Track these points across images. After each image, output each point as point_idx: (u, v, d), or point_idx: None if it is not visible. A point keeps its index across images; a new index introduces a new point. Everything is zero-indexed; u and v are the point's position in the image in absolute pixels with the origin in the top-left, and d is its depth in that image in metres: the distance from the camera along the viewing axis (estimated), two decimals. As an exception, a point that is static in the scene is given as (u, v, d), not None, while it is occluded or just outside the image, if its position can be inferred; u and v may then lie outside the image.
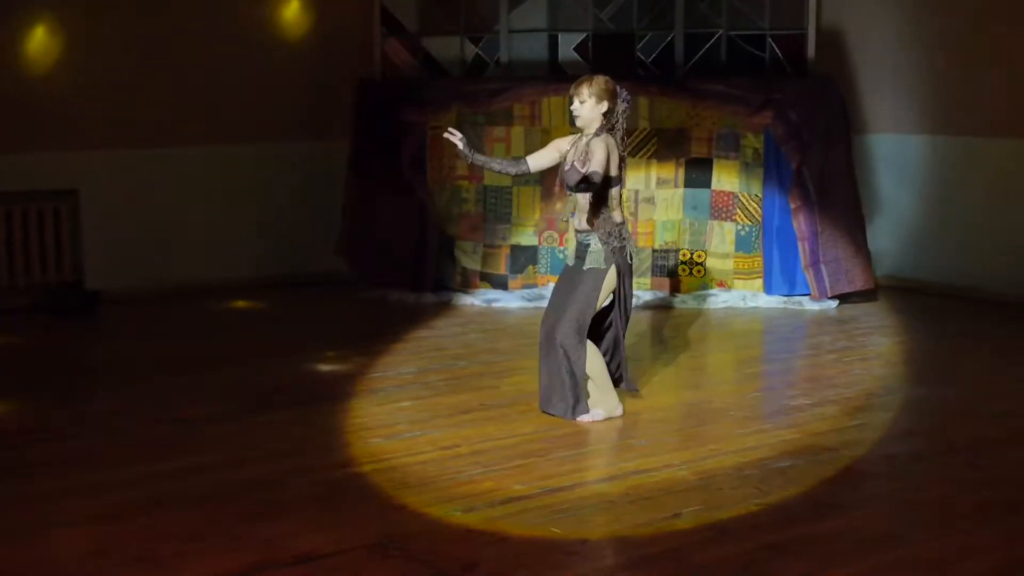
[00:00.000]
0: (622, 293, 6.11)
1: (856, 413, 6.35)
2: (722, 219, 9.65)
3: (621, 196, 6.13)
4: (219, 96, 10.03)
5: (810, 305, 9.34)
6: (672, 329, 8.72)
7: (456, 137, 6.22)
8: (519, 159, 6.28)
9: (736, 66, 9.87)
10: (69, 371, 7.51)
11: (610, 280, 6.03)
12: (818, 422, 6.18)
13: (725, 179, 9.63)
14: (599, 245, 5.99)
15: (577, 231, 6.12)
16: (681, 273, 9.70)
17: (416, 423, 6.14)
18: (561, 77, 9.87)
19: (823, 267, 9.30)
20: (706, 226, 9.67)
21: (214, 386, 6.95)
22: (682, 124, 9.65)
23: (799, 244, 9.38)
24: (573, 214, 6.14)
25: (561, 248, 9.76)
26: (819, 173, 9.30)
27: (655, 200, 9.70)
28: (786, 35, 9.88)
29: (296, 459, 5.60)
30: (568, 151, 6.11)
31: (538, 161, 6.23)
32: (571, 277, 6.12)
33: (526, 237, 9.81)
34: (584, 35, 10.08)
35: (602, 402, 6.15)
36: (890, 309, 9.37)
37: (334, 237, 10.09)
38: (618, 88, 6.02)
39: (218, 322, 9.02)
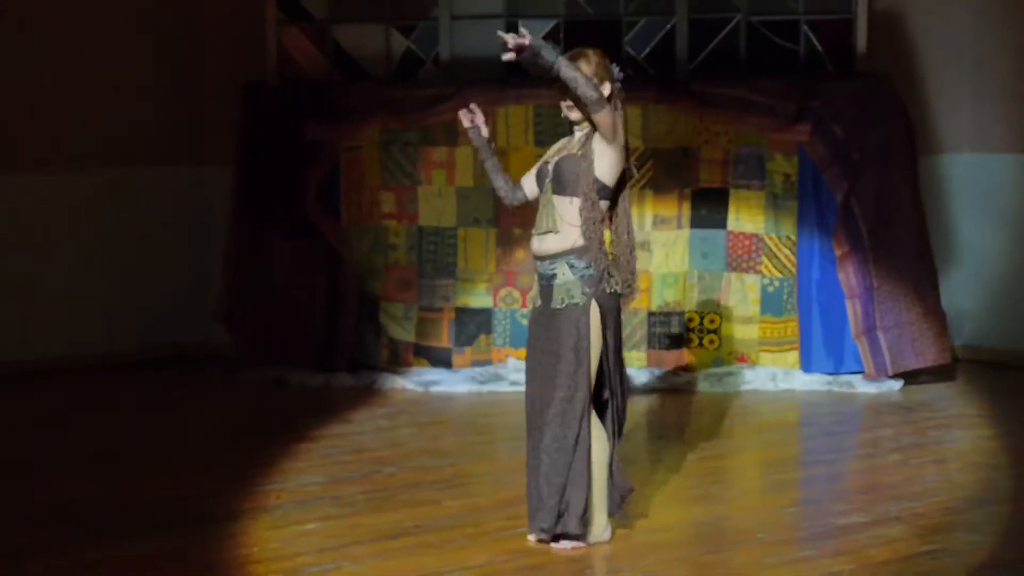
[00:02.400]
0: (608, 339, 6.06)
1: (930, 535, 6.32)
2: (743, 271, 9.68)
3: (628, 212, 6.17)
4: (49, 106, 9.99)
5: (864, 387, 9.36)
6: (677, 420, 8.67)
7: (477, 118, 6.30)
8: (515, 184, 6.31)
9: (760, 63, 9.94)
10: None
11: (594, 323, 5.98)
12: (878, 547, 6.13)
13: (746, 217, 9.67)
14: (569, 275, 5.95)
15: (541, 257, 6.04)
16: (688, 344, 9.71)
17: (326, 552, 6.06)
18: (522, 79, 9.90)
19: (881, 335, 9.34)
20: (721, 280, 9.70)
21: (43, 506, 6.85)
22: (687, 142, 9.70)
23: (848, 304, 9.41)
24: (540, 234, 6.05)
25: (524, 311, 9.73)
26: (874, 207, 9.37)
27: (651, 246, 9.73)
28: (828, 21, 9.98)
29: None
30: (558, 150, 6.15)
31: (532, 183, 6.25)
32: (547, 324, 6.04)
33: (477, 297, 9.80)
34: (554, 23, 10.14)
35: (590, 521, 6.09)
36: (973, 391, 9.38)
37: (212, 298, 10.04)
38: (611, 66, 6.08)
39: (49, 416, 8.92)
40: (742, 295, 9.67)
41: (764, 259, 9.65)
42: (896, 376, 9.38)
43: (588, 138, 6.02)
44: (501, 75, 10.03)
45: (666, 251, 9.72)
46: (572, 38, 10.04)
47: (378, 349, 9.81)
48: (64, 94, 10.03)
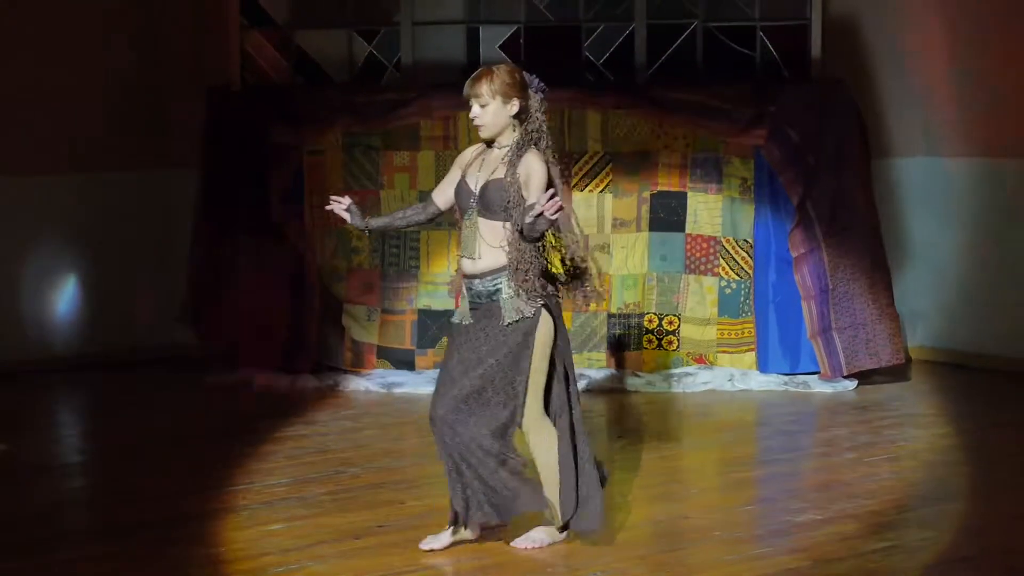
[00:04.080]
0: (561, 357, 6.06)
1: (884, 532, 6.36)
2: (700, 273, 9.72)
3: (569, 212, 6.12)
4: (15, 110, 9.94)
5: (820, 387, 9.42)
6: (634, 420, 8.70)
7: (342, 206, 6.15)
8: (425, 202, 6.23)
9: (717, 68, 9.98)
10: None
11: (545, 333, 5.95)
12: (833, 544, 6.16)
13: (704, 219, 9.71)
14: (510, 291, 5.86)
15: (476, 276, 5.95)
16: (646, 345, 9.74)
17: (291, 552, 6.06)
18: (484, 84, 9.91)
19: (836, 336, 9.39)
20: (679, 283, 9.74)
21: (5, 508, 6.83)
22: (646, 147, 9.73)
23: (804, 305, 9.46)
24: (470, 256, 5.96)
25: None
26: (829, 210, 9.42)
27: (611, 248, 9.75)
28: (783, 27, 10.03)
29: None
30: (471, 164, 6.03)
31: (447, 194, 6.14)
32: (487, 338, 5.93)
33: (438, 299, 9.81)
34: (514, 28, 10.16)
35: (548, 522, 6.11)
36: (926, 391, 9.45)
37: (177, 301, 10.01)
38: (528, 77, 6.02)
39: (13, 418, 8.87)
40: (700, 297, 9.70)
41: (721, 261, 9.69)
42: (851, 376, 9.43)
43: (514, 161, 5.88)
44: (461, 80, 9.98)
45: (625, 253, 9.74)
46: (532, 43, 10.08)
47: (341, 351, 9.80)
48: (30, 97, 9.97)
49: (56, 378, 9.83)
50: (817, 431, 8.53)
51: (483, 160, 6.00)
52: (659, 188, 9.73)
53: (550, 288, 5.94)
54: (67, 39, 10.15)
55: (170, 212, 10.37)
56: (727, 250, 9.67)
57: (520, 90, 5.94)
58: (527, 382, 5.93)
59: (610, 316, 9.75)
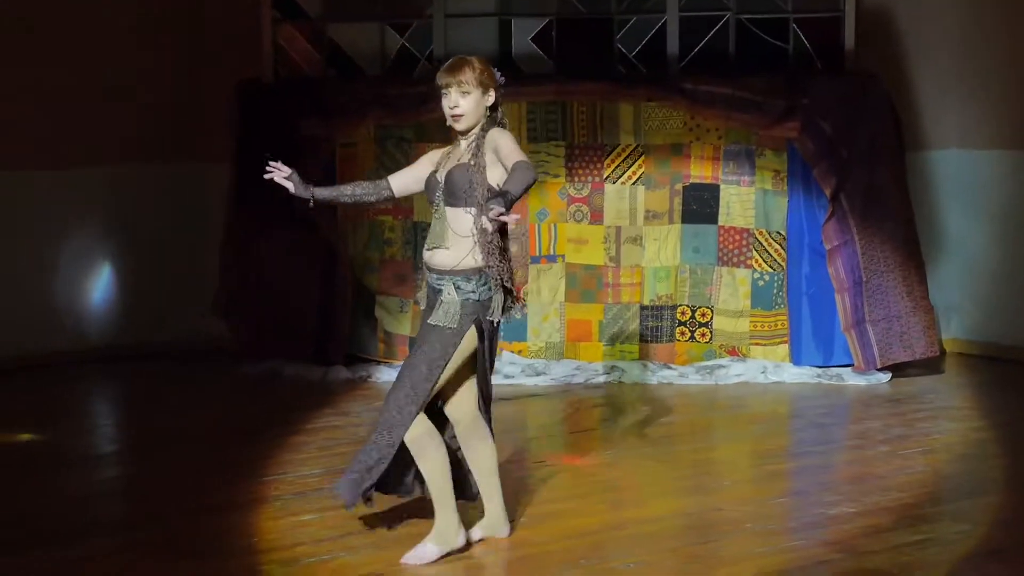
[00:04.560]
0: (483, 355, 5.93)
1: (918, 525, 6.34)
2: (733, 265, 9.70)
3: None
4: (52, 105, 9.98)
5: (853, 379, 9.39)
6: (667, 412, 8.70)
7: (283, 174, 6.06)
8: (380, 181, 6.10)
9: (750, 61, 9.96)
10: None
11: (467, 345, 5.84)
12: (867, 537, 6.15)
13: (737, 212, 9.70)
14: (453, 295, 5.73)
15: (432, 270, 5.79)
16: (679, 338, 9.73)
17: (323, 543, 6.06)
18: (515, 76, 9.90)
19: (870, 328, 9.36)
20: (712, 275, 9.72)
21: (39, 497, 6.87)
22: (678, 139, 9.72)
23: (837, 298, 9.43)
24: (432, 248, 5.80)
25: (521, 306, 9.74)
26: (862, 203, 9.39)
27: (643, 240, 9.75)
28: (816, 19, 10.00)
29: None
30: (440, 163, 5.90)
31: (404, 181, 6.04)
32: (426, 329, 5.85)
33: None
34: (546, 21, 10.15)
35: (437, 529, 5.91)
36: (960, 384, 9.43)
37: (210, 292, 10.04)
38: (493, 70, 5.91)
39: (49, 409, 8.93)
40: (733, 289, 9.69)
41: (754, 253, 9.67)
42: (885, 369, 9.41)
43: (479, 147, 5.76)
44: (494, 72, 10.01)
45: (658, 245, 9.74)
46: (564, 36, 10.06)
47: (374, 342, 9.83)
48: (66, 92, 10.02)
49: (90, 368, 9.88)
50: (850, 423, 8.51)
51: (450, 155, 5.89)
52: (692, 180, 9.72)
53: (501, 301, 5.79)
54: (103, 35, 10.20)
55: (203, 205, 10.42)
56: (760, 242, 9.65)
57: (495, 85, 5.85)
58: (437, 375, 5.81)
59: (643, 308, 9.75)
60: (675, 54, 9.99)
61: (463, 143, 5.85)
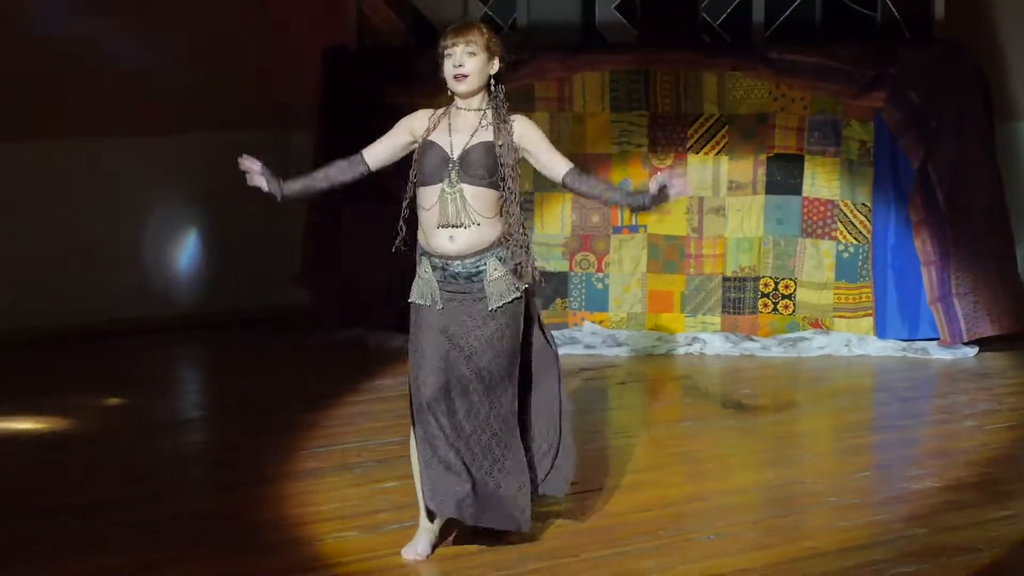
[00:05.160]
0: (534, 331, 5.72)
1: (1004, 501, 6.27)
2: (817, 237, 9.63)
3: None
4: (137, 73, 10.05)
5: (939, 353, 9.30)
6: (749, 385, 8.67)
7: (255, 168, 5.84)
8: (354, 157, 5.77)
9: (837, 30, 9.85)
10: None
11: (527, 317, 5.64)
12: (952, 512, 6.11)
13: (821, 183, 9.62)
14: (500, 270, 5.51)
15: (456, 257, 5.51)
16: (762, 309, 9.68)
17: (405, 510, 6.05)
18: (598, 45, 9.87)
19: (956, 301, 9.27)
20: (796, 246, 9.66)
21: (128, 460, 6.95)
22: (763, 109, 9.65)
23: (923, 271, 9.34)
24: (446, 226, 5.53)
25: (599, 275, 9.75)
26: (950, 174, 9.28)
27: (726, 211, 9.69)
28: (905, -12, 9.89)
29: (240, 560, 5.56)
30: (432, 129, 5.55)
31: (379, 153, 5.73)
32: (473, 321, 5.53)
33: (553, 261, 9.79)
34: (631, -11, 10.10)
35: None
36: (1049, 358, 9.33)
37: (294, 261, 10.09)
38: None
39: (138, 372, 9.04)
40: (817, 261, 9.62)
41: (839, 225, 9.59)
42: (971, 343, 9.30)
43: (499, 126, 5.52)
44: (576, 41, 9.99)
45: (741, 216, 9.68)
46: (649, 5, 9.99)
47: (455, 311, 9.84)
48: (154, 60, 10.07)
49: (176, 335, 9.96)
50: (936, 398, 8.43)
51: (450, 125, 5.55)
52: (776, 151, 9.65)
53: (533, 268, 5.61)
54: (190, 1, 10.25)
55: (289, 172, 10.43)
56: (845, 214, 9.57)
57: (502, 53, 5.59)
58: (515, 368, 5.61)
59: (725, 279, 9.70)
60: (760, 23, 9.90)
61: (465, 113, 5.56)
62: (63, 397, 8.30)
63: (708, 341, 9.50)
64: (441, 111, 5.62)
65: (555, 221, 9.78)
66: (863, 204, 9.54)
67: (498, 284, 5.53)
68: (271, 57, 10.51)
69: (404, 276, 9.70)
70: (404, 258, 9.97)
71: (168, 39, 10.16)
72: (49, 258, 9.82)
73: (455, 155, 5.51)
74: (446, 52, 5.53)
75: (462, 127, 5.55)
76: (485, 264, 5.53)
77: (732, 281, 9.70)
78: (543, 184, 9.72)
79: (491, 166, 5.49)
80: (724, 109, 9.66)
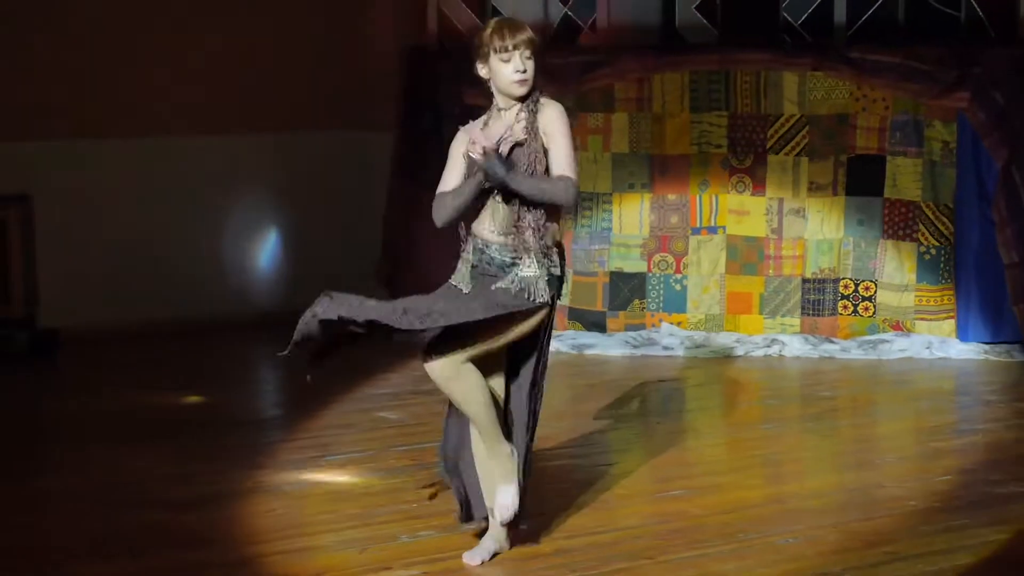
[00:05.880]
0: (542, 339, 5.59)
1: (1089, 505, 6.21)
2: (899, 238, 9.55)
3: None
4: (219, 72, 10.13)
5: (1022, 356, 9.20)
6: (829, 387, 8.61)
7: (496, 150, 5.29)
8: (440, 194, 5.57)
9: (920, 30, 9.77)
10: (15, 436, 7.60)
11: (536, 322, 5.50)
12: (1036, 517, 6.04)
13: (903, 184, 9.54)
14: (535, 269, 5.35)
15: (488, 244, 5.41)
16: (842, 311, 9.61)
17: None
18: (678, 46, 9.83)
19: (1040, 304, 9.17)
20: (876, 248, 9.58)
21: (217, 455, 7.02)
22: (844, 109, 9.58)
23: (1007, 273, 9.23)
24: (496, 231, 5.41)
25: (678, 276, 9.71)
26: (1035, 175, 9.19)
27: (806, 212, 9.63)
28: (990, -13, 9.79)
29: (307, 555, 5.60)
30: (477, 141, 5.31)
31: (458, 179, 5.48)
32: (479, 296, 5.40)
33: (631, 261, 9.78)
34: (710, -11, 10.07)
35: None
36: None
37: (373, 260, 10.12)
38: None
39: (217, 372, 9.12)
40: (898, 263, 9.53)
41: (921, 227, 9.50)
42: (1055, 346, 9.22)
43: (532, 124, 5.31)
44: (656, 42, 9.96)
45: (821, 217, 9.62)
46: (729, 4, 9.94)
47: (531, 312, 9.83)
48: (232, 59, 10.16)
49: (255, 333, 10.00)
50: (1018, 401, 8.32)
51: (487, 134, 5.33)
52: (857, 151, 9.58)
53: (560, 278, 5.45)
54: (269, 1, 10.31)
55: (368, 172, 10.49)
56: (927, 215, 9.48)
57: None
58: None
59: (804, 281, 9.64)
60: (842, 23, 9.83)
61: (506, 115, 5.37)
62: (147, 393, 8.39)
63: (787, 343, 9.44)
64: (481, 123, 5.42)
65: (633, 222, 9.76)
66: (945, 205, 9.45)
67: (527, 280, 5.36)
68: (351, 59, 10.55)
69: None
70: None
71: (252, 39, 10.23)
72: (125, 255, 9.91)
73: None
74: (498, 53, 5.31)
75: (500, 129, 5.35)
76: (521, 258, 5.36)
77: (812, 283, 9.64)
78: (621, 184, 9.72)
79: (531, 167, 5.28)
80: (804, 109, 9.60)
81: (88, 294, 9.75)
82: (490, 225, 5.41)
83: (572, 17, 10.17)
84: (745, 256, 9.69)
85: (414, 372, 8.91)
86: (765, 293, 9.66)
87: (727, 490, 6.41)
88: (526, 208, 5.32)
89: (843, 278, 9.62)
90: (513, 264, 5.37)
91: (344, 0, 10.57)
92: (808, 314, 9.63)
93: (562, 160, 5.27)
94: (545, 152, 5.30)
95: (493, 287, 5.38)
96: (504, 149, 5.25)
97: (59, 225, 9.68)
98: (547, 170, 5.29)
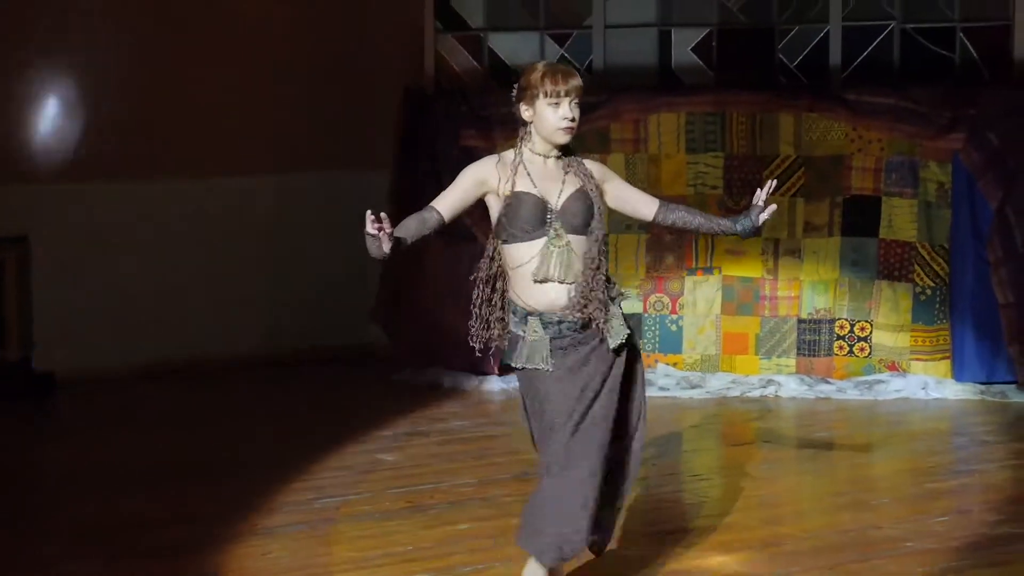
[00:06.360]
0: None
1: (1085, 547, 6.20)
2: (894, 279, 9.56)
3: None
4: (218, 113, 10.15)
5: (1018, 396, 9.19)
6: (825, 427, 8.61)
7: (386, 231, 5.40)
8: (426, 213, 5.47)
9: (915, 71, 9.83)
10: (10, 480, 7.57)
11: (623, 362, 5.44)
12: (1033, 559, 6.03)
13: (898, 224, 9.55)
14: (616, 310, 5.31)
15: (567, 308, 5.26)
16: (838, 352, 9.61)
17: (478, 552, 6.09)
18: (674, 87, 9.87)
19: (1035, 344, 9.18)
20: (872, 288, 9.59)
21: (213, 497, 7.00)
22: (839, 150, 9.61)
23: (1002, 313, 9.24)
24: (566, 279, 5.27)
25: (673, 316, 9.72)
26: (1030, 216, 9.21)
27: (802, 252, 9.64)
28: (984, 28, 9.83)
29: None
30: (510, 179, 5.26)
31: (452, 205, 5.40)
32: (595, 365, 5.33)
33: (627, 303, 9.72)
34: (706, 31, 10.10)
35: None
36: None
37: (370, 299, 10.12)
38: None
39: (213, 414, 9.09)
40: (893, 303, 9.54)
41: (916, 267, 9.52)
42: (1050, 386, 9.22)
43: (579, 171, 5.28)
44: (653, 83, 10.01)
45: (816, 258, 9.63)
46: (725, 46, 10.01)
47: (530, 353, 9.83)
48: (230, 99, 10.19)
49: (244, 375, 10.01)
50: (1014, 441, 8.32)
51: (529, 173, 5.26)
52: (853, 192, 9.60)
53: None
54: (269, 44, 10.35)
55: (364, 212, 10.49)
56: (922, 255, 9.49)
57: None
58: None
59: (800, 321, 9.64)
60: (837, 64, 9.89)
61: (549, 162, 5.29)
62: (143, 436, 8.37)
63: (783, 383, 9.44)
64: (511, 159, 5.32)
65: (630, 262, 9.77)
66: (941, 246, 9.47)
67: (613, 323, 5.31)
68: (348, 101, 10.57)
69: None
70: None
71: (255, 81, 10.25)
72: (122, 298, 9.91)
73: (558, 206, 5.24)
74: (552, 99, 5.21)
75: (548, 175, 5.27)
76: (597, 310, 5.26)
77: (807, 323, 9.64)
78: (617, 226, 9.74)
79: (587, 215, 5.24)
80: (800, 150, 9.62)
81: (84, 337, 9.75)
82: (542, 275, 5.29)
83: (568, 58, 10.23)
84: (741, 297, 9.70)
85: (411, 413, 8.94)
86: (761, 333, 9.66)
87: (723, 531, 6.39)
88: (588, 247, 5.27)
89: (839, 318, 9.63)
90: (591, 320, 5.26)
91: (343, 43, 10.59)
92: (804, 354, 9.63)
93: (643, 195, 5.50)
94: (602, 199, 5.34)
95: (588, 351, 5.31)
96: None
97: (56, 267, 9.68)
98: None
